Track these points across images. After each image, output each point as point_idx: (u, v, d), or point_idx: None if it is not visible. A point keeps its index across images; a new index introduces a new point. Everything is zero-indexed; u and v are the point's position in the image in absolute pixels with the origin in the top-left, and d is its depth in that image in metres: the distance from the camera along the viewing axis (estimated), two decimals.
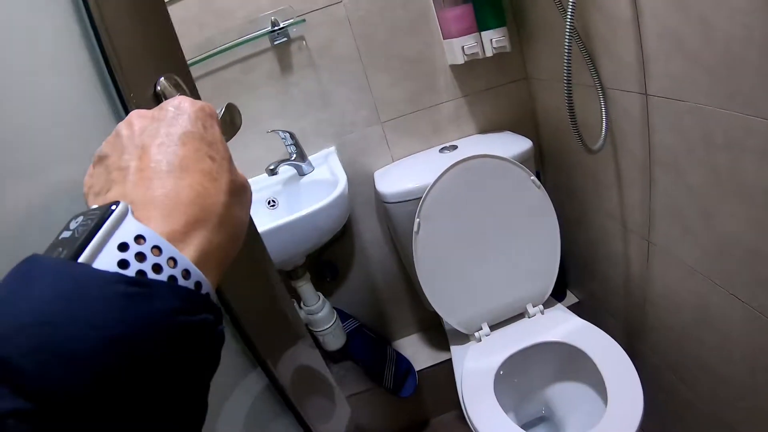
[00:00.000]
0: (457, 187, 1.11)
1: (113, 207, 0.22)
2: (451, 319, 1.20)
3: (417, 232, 1.12)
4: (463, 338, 1.24)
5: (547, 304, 1.23)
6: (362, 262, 1.44)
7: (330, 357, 1.44)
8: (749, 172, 0.71)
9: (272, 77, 1.22)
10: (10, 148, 0.33)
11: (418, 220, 1.11)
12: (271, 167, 1.17)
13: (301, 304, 1.22)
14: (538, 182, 1.14)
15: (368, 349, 1.38)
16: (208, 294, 0.23)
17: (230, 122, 0.40)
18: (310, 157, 1.24)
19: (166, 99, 0.36)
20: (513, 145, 1.22)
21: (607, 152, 1.06)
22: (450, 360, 1.24)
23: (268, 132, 1.20)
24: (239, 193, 0.27)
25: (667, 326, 1.08)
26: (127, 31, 0.46)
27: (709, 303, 0.91)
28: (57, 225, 0.23)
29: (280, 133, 1.18)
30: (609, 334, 1.06)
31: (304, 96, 1.24)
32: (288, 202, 1.22)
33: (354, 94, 1.26)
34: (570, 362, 1.09)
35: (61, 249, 0.21)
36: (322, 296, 1.23)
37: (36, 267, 0.20)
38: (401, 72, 1.26)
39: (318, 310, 1.21)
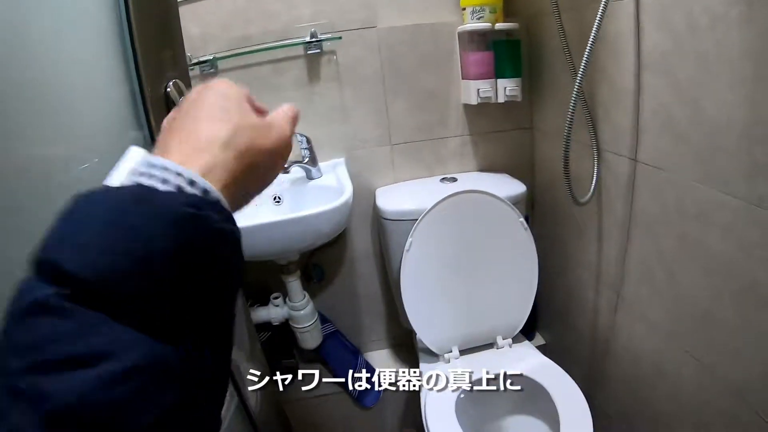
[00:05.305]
0: (452, 216, 1.19)
1: (128, 151, 0.27)
2: (425, 337, 1.25)
3: (408, 250, 1.19)
4: (433, 358, 1.29)
5: (516, 339, 1.30)
6: (348, 272, 1.49)
7: (303, 355, 1.48)
8: (712, 242, 0.80)
9: (299, 83, 1.30)
10: (68, 117, 0.52)
11: (410, 239, 1.18)
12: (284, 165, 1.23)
13: (287, 299, 1.27)
14: (526, 225, 1.23)
15: (340, 354, 1.42)
16: (217, 200, 0.26)
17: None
18: (320, 164, 1.31)
19: (171, 97, 0.46)
20: (508, 186, 1.30)
21: (593, 208, 1.15)
22: None
23: None
24: (256, 130, 0.31)
25: (625, 378, 1.15)
26: (152, 48, 0.65)
27: (666, 358, 0.98)
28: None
29: (298, 135, 1.25)
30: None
31: (325, 107, 1.32)
32: (293, 201, 1.27)
33: (371, 114, 1.34)
34: (529, 396, 1.15)
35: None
36: (307, 295, 1.28)
37: (74, 200, 0.24)
38: (418, 102, 1.35)
39: (302, 308, 1.26)
